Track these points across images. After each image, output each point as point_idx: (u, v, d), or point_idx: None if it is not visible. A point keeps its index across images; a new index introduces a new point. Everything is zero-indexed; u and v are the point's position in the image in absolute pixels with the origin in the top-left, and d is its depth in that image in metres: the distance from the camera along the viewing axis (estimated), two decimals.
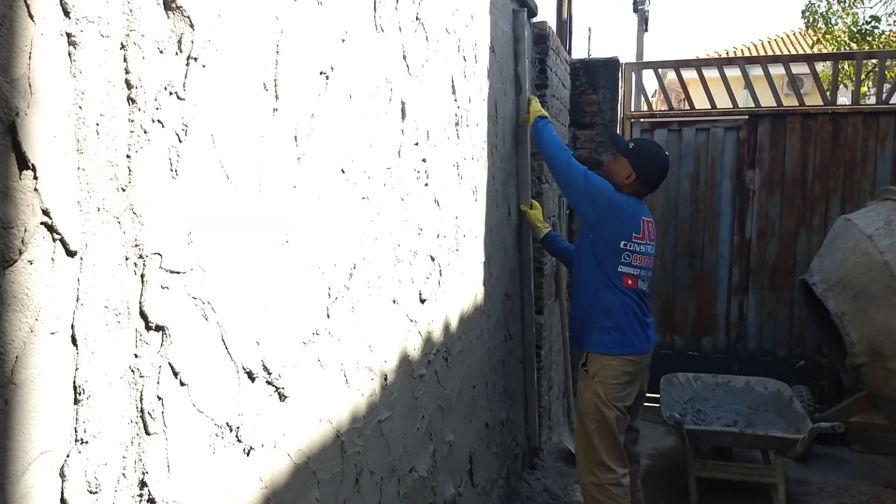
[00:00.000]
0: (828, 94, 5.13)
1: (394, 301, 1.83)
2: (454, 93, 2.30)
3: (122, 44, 0.86)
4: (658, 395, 4.14)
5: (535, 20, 3.74)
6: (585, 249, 2.75)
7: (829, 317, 3.99)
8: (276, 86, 1.22)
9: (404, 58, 1.85)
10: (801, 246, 5.15)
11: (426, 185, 2.06)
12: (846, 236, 4.01)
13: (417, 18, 1.93)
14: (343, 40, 1.48)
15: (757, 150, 5.23)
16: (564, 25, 5.23)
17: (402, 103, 1.85)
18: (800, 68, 6.04)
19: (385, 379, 1.78)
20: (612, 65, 5.00)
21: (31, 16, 0.75)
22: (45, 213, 0.77)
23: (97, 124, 0.82)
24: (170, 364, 0.98)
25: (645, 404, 2.93)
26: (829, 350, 4.41)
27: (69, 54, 0.79)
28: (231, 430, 1.12)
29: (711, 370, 4.85)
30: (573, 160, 2.81)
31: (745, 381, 4.33)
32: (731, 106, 5.30)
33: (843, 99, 6.88)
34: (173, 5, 0.94)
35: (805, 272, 4.41)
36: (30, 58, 0.75)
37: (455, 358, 2.40)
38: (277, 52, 1.21)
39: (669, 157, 2.87)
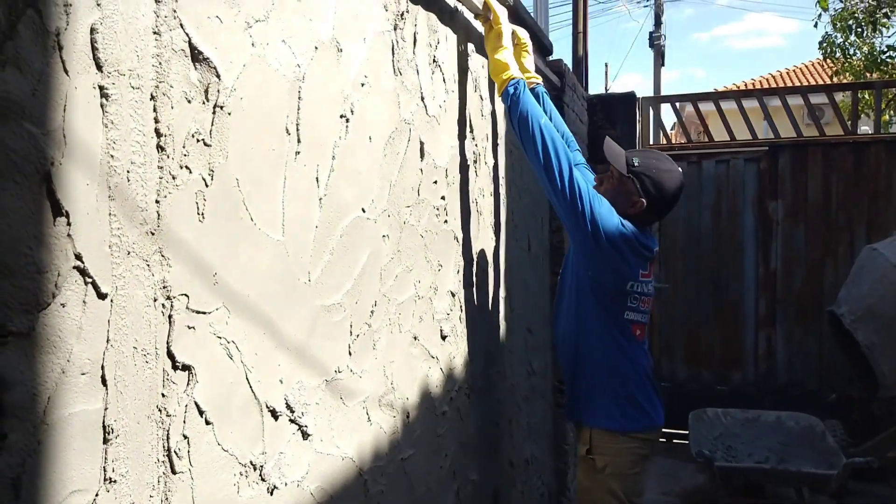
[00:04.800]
0: (848, 123, 5.11)
1: (415, 337, 1.84)
2: (472, 131, 2.34)
3: (152, 94, 0.90)
4: (687, 432, 4.06)
5: (550, 58, 3.81)
6: (581, 284, 2.09)
7: (859, 348, 3.91)
8: (298, 130, 1.26)
9: (422, 99, 1.89)
10: (827, 276, 5.08)
11: (445, 221, 2.08)
12: (873, 266, 3.95)
13: (434, 61, 1.98)
14: (363, 84, 1.52)
15: (779, 181, 5.21)
16: (580, 62, 5.31)
17: (421, 143, 1.88)
18: (819, 98, 6.04)
19: (407, 416, 1.78)
20: (628, 100, 5.05)
21: (66, 71, 0.79)
22: (78, 257, 0.80)
23: (128, 171, 0.86)
24: (195, 403, 1.00)
25: (674, 441, 2.82)
26: (860, 382, 4.31)
27: (102, 106, 0.83)
28: (255, 469, 1.13)
29: (741, 404, 4.75)
30: (576, 169, 2.01)
31: (775, 416, 4.24)
32: (751, 137, 5.31)
33: (866, 128, 6.84)
34: (201, 57, 0.98)
35: (833, 303, 4.34)
36: (64, 110, 0.79)
37: (477, 394, 2.39)
38: (300, 97, 1.25)
39: (689, 189, 2.35)
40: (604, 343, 2.07)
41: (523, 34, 2.36)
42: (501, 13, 2.05)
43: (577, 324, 2.11)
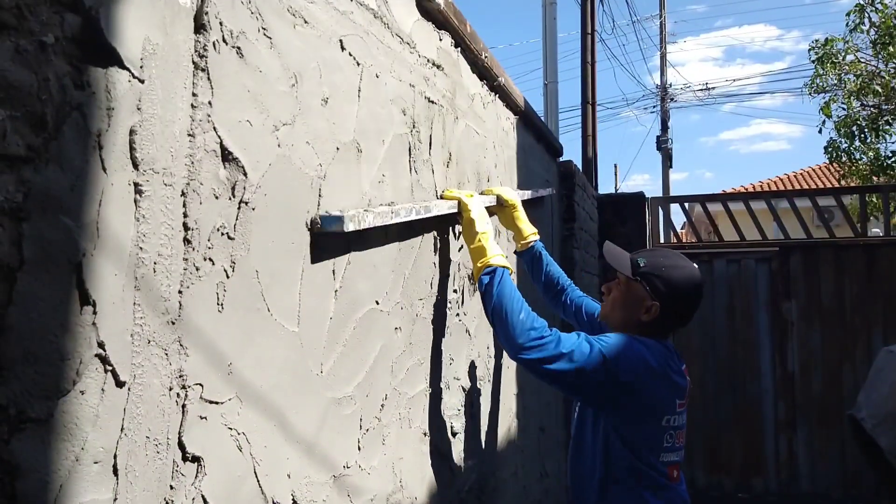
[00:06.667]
0: (858, 226, 5.17)
1: (424, 434, 1.82)
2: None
3: (183, 191, 0.95)
4: None
5: (561, 159, 3.93)
6: (606, 425, 1.76)
7: (884, 454, 3.78)
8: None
9: (437, 196, 1.95)
10: (846, 378, 4.98)
11: (458, 315, 2.10)
12: (891, 368, 3.87)
13: (451, 157, 2.07)
14: (380, 182, 1.58)
15: (791, 282, 5.21)
16: (590, 163, 5.47)
17: (435, 237, 1.93)
18: (827, 201, 6.14)
19: None
20: (637, 199, 5.16)
21: (104, 168, 0.84)
22: (100, 345, 0.82)
23: (155, 263, 0.89)
24: (203, 497, 0.98)
25: None
26: (887, 490, 4.13)
27: (135, 201, 0.88)
28: None
29: None
30: (566, 335, 1.71)
31: None
32: (760, 238, 5.36)
33: (877, 230, 6.90)
34: (230, 157, 1.04)
35: (852, 406, 4.23)
36: (100, 205, 0.83)
37: (488, 496, 2.32)
38: (320, 194, 1.31)
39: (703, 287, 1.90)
40: (640, 497, 1.73)
41: (510, 194, 2.32)
42: (469, 200, 1.92)
43: (605, 470, 1.76)
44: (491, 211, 2.27)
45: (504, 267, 1.82)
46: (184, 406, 0.95)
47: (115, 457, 0.83)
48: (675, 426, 1.77)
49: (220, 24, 1.03)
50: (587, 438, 1.81)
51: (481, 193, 2.27)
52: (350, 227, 1.30)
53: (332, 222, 1.28)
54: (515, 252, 2.44)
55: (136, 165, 0.88)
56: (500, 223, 2.42)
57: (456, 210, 1.92)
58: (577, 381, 1.67)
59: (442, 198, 1.93)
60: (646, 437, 1.74)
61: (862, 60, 8.69)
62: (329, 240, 1.32)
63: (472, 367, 2.22)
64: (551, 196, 3.66)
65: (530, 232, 2.34)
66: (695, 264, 1.92)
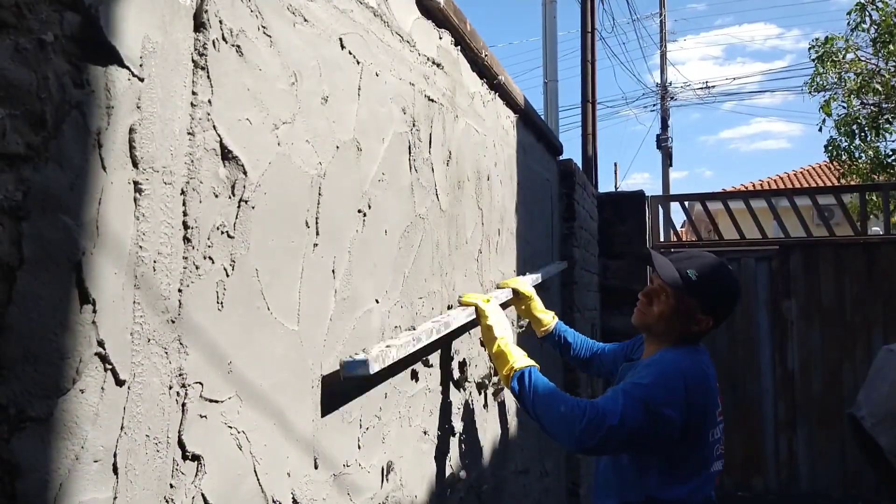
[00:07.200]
0: (857, 224, 5.17)
1: (424, 432, 1.82)
2: (483, 225, 2.40)
3: (182, 190, 0.95)
4: None
5: (561, 158, 3.93)
6: (644, 468, 1.73)
7: (883, 453, 3.78)
8: (317, 223, 1.30)
9: (436, 195, 1.95)
10: (846, 378, 4.99)
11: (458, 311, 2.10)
12: (891, 367, 3.88)
13: (451, 155, 2.06)
14: (380, 180, 1.58)
15: (791, 280, 5.21)
16: (590, 162, 5.47)
17: (436, 236, 1.93)
18: (827, 199, 6.15)
19: None
20: (637, 197, 5.16)
21: (104, 167, 0.84)
22: (100, 344, 0.82)
23: (154, 262, 0.89)
24: (203, 495, 0.98)
25: None
26: (887, 490, 4.13)
27: (135, 200, 0.88)
28: None
29: None
30: (603, 402, 1.66)
31: None
32: (760, 237, 5.36)
33: (877, 228, 6.90)
34: (230, 156, 1.04)
35: (853, 406, 4.23)
36: (99, 203, 0.83)
37: (488, 495, 2.32)
38: (320, 193, 1.31)
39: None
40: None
41: (525, 286, 2.37)
42: (486, 305, 1.94)
43: (641, 492, 1.72)
44: (507, 303, 2.33)
45: (531, 366, 1.80)
46: (184, 405, 0.95)
47: (114, 455, 0.83)
48: (718, 438, 1.75)
49: (220, 22, 1.03)
50: (626, 475, 1.75)
51: (497, 286, 2.36)
52: (375, 368, 1.33)
53: (357, 367, 1.31)
54: (538, 338, 2.46)
55: (135, 164, 0.88)
56: (518, 312, 2.49)
57: (474, 316, 1.96)
58: (636, 441, 1.64)
59: (459, 303, 2.00)
60: (696, 459, 1.71)
61: (862, 59, 8.69)
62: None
63: (472, 364, 2.22)
64: (551, 194, 3.66)
65: (549, 319, 2.41)
66: (730, 267, 1.88)
